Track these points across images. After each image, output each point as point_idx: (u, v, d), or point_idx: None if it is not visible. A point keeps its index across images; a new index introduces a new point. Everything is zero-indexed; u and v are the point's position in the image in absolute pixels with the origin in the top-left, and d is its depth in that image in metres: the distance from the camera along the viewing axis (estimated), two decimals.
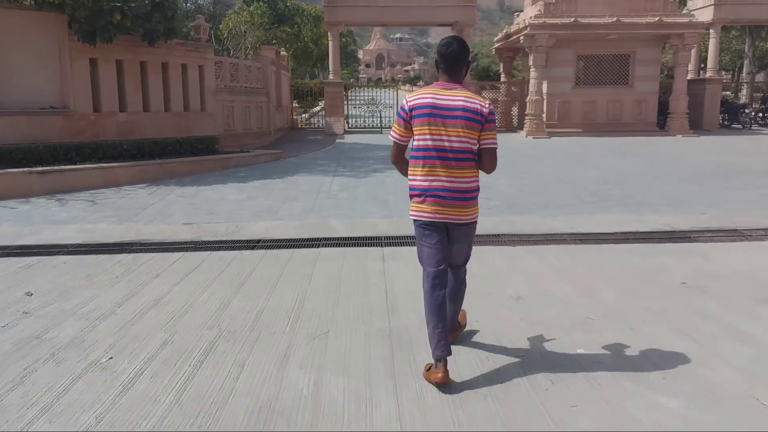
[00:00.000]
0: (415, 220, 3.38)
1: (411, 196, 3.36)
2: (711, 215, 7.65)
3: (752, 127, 21.28)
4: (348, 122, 22.92)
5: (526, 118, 19.74)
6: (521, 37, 19.44)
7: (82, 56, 11.53)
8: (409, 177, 3.35)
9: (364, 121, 22.90)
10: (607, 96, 20.17)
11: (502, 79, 24.63)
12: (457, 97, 3.22)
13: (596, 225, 7.17)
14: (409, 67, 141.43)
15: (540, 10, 19.20)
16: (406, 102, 3.29)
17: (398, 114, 3.35)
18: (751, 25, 26.90)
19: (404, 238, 6.63)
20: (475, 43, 67.74)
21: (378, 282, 5.05)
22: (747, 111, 21.12)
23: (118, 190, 10.04)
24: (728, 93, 27.40)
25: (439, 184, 3.24)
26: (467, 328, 3.95)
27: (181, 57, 13.39)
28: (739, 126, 21.90)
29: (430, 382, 3.22)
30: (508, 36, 21.87)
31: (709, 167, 12.32)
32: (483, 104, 3.23)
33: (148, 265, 5.65)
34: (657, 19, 18.73)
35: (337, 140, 19.15)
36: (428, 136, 3.23)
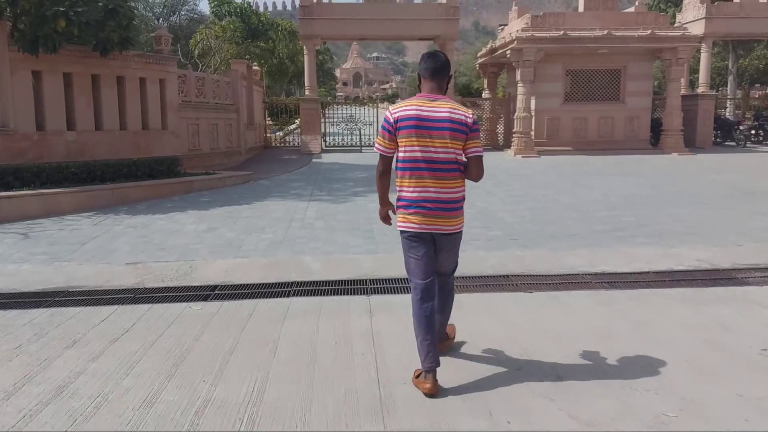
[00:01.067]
0: (402, 231, 3.42)
1: (398, 207, 3.41)
2: (749, 248, 6.62)
3: (746, 145, 20.61)
4: (326, 140, 21.79)
5: (514, 135, 18.80)
6: (508, 51, 18.56)
7: (24, 68, 10.24)
8: (397, 188, 3.40)
9: (343, 139, 21.79)
10: (597, 112, 19.35)
11: (486, 95, 23.75)
12: (442, 108, 3.27)
13: (621, 262, 6.08)
14: (386, 86, 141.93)
15: (527, 23, 18.37)
16: (391, 114, 3.31)
17: (382, 126, 3.36)
18: (737, 40, 26.52)
19: (394, 281, 5.48)
20: (453, 61, 67.50)
21: (366, 352, 3.86)
22: (742, 128, 20.47)
23: (59, 220, 8.71)
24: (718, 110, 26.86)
25: (427, 195, 3.29)
26: (456, 339, 3.94)
27: (140, 70, 12.15)
28: (733, 143, 21.23)
29: (417, 388, 3.28)
30: (492, 51, 21.01)
31: (719, 188, 11.38)
32: (467, 114, 3.30)
33: (66, 327, 4.39)
34: (649, 32, 18.00)
35: (314, 159, 17.98)
36: (416, 148, 3.26)
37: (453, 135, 3.25)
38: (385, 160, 3.43)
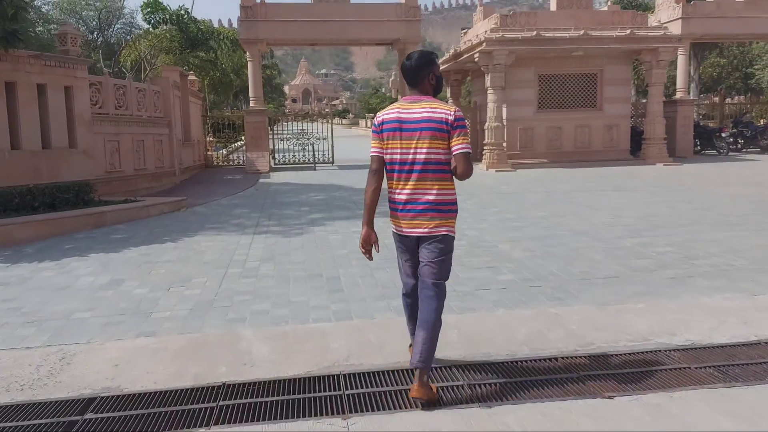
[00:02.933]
0: (393, 232, 3.46)
1: (390, 209, 3.41)
2: None
3: (728, 153, 19.49)
4: (274, 158, 19.64)
5: (485, 148, 17.09)
6: (475, 55, 16.90)
7: None
8: (387, 189, 3.37)
9: (294, 156, 19.68)
10: (573, 121, 17.86)
11: (451, 104, 22.06)
12: (421, 109, 3.25)
13: (706, 324, 4.24)
14: (336, 102, 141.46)
15: (496, 23, 16.77)
16: (377, 118, 3.37)
17: (373, 131, 3.40)
18: (698, 44, 25.68)
19: (385, 377, 3.47)
20: None
21: None
22: (723, 135, 19.35)
23: None
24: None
25: (407, 197, 3.28)
26: None
27: (37, 74, 9.85)
28: (714, 152, 20.11)
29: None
30: (457, 55, 19.35)
31: (742, 205, 9.82)
32: (448, 112, 3.23)
33: None
34: (628, 32, 16.64)
35: (261, 180, 15.81)
36: (398, 150, 3.28)
37: (434, 134, 3.22)
38: (379, 159, 3.37)
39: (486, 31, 16.67)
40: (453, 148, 3.23)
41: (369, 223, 3.39)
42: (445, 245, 3.30)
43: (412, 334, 3.48)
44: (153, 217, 9.86)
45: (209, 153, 20.31)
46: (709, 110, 25.12)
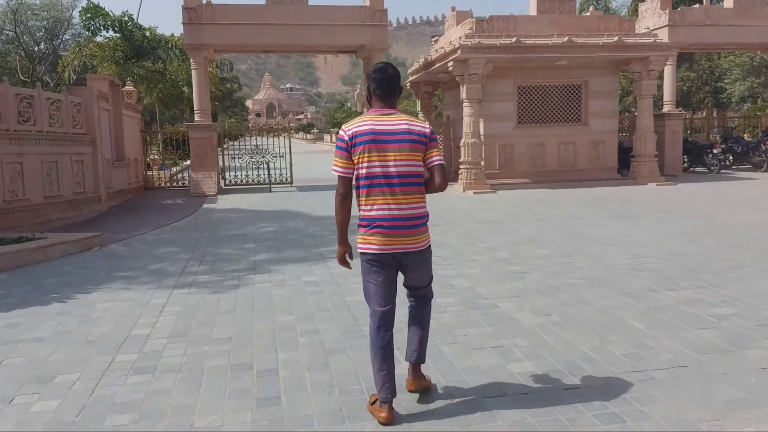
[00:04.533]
0: (362, 254, 3.29)
1: (359, 227, 3.26)
2: None
3: (720, 171, 18.22)
4: (224, 178, 17.64)
5: (461, 167, 15.43)
6: (449, 64, 15.28)
7: None
8: (359, 206, 3.26)
9: (248, 176, 17.72)
10: (556, 137, 16.36)
11: (420, 118, 20.43)
12: (398, 121, 3.22)
13: None
14: (301, 116, 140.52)
15: (471, 29, 15.19)
16: (345, 132, 3.22)
17: (338, 147, 3.25)
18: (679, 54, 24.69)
19: None
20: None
21: None
22: (715, 152, 18.08)
23: None
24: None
25: (388, 213, 3.18)
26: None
27: None
28: (704, 169, 18.85)
29: (373, 415, 3.25)
30: (427, 65, 17.72)
31: None
32: (424, 125, 3.27)
33: None
34: (616, 39, 15.24)
35: (206, 205, 13.82)
36: (376, 163, 3.17)
37: (413, 147, 3.19)
38: (346, 182, 3.26)
39: (460, 38, 15.07)
40: (430, 160, 3.26)
41: (344, 242, 3.39)
42: (429, 255, 3.42)
43: (386, 383, 3.23)
44: (53, 260, 7.83)
45: (152, 173, 18.18)
46: (707, 125, 23.89)
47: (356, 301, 5.56)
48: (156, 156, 19.30)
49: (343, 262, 3.45)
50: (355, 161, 3.21)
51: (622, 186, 15.68)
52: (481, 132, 15.53)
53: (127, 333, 4.87)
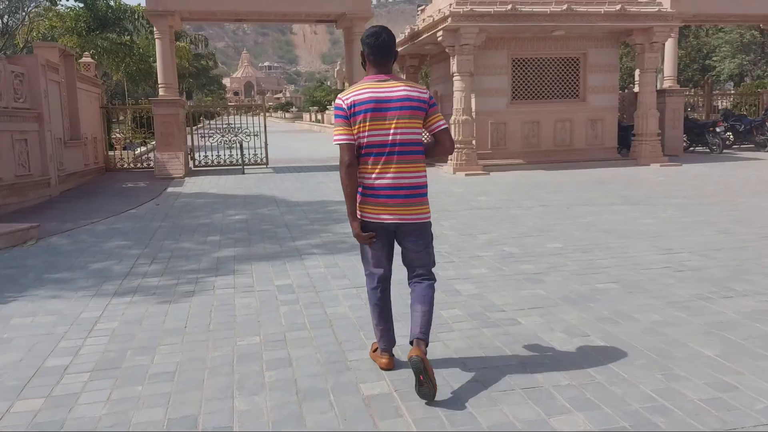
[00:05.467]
0: (361, 221, 3.25)
1: (360, 195, 3.22)
2: None
3: (723, 151, 17.31)
4: (194, 158, 16.36)
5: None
6: (438, 34, 14.08)
7: None
8: (359, 175, 3.19)
9: (219, 156, 16.43)
10: (552, 114, 15.29)
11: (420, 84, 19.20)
12: (397, 87, 3.16)
13: None
14: (279, 95, 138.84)
15: None
16: (343, 100, 3.15)
17: (337, 115, 3.17)
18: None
19: None
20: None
21: None
22: (718, 130, 17.15)
23: None
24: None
25: (391, 181, 3.14)
26: None
27: None
28: (705, 149, 17.94)
29: (375, 362, 3.45)
30: (414, 36, 16.48)
31: None
32: (422, 90, 3.22)
33: None
34: (618, 7, 14.14)
35: (171, 188, 12.56)
36: (376, 131, 3.12)
37: (413, 113, 3.15)
38: (350, 149, 3.14)
39: (450, 5, 13.85)
40: (435, 125, 3.22)
41: (356, 216, 3.25)
42: (429, 231, 3.34)
43: (384, 336, 3.39)
44: None
45: (115, 153, 16.78)
46: (707, 103, 22.87)
47: (340, 314, 4.47)
48: (119, 134, 17.87)
49: (363, 238, 3.26)
50: (355, 130, 3.13)
51: (623, 167, 14.70)
52: (473, 108, 14.40)
53: (41, 363, 3.73)
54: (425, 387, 2.97)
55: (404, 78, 19.25)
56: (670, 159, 15.47)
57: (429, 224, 3.32)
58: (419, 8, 18.30)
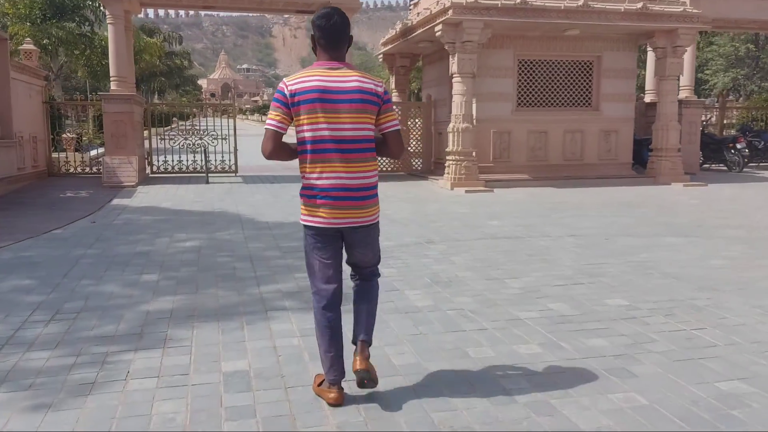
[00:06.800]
0: (306, 227, 3.02)
1: (302, 197, 2.99)
2: None
3: (743, 170, 15.83)
4: (152, 164, 14.38)
5: (449, 159, 12.55)
6: (437, 28, 12.35)
7: None
8: (303, 174, 2.95)
9: (181, 161, 14.47)
10: (562, 124, 13.65)
11: (395, 98, 17.41)
12: (349, 77, 2.89)
13: None
14: (257, 98, 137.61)
15: None
16: (286, 86, 2.86)
17: (275, 99, 2.90)
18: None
19: None
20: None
21: None
22: (739, 147, 15.67)
23: None
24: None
25: (337, 182, 2.88)
26: None
27: None
28: (722, 166, 16.44)
29: (320, 397, 3.05)
30: (406, 32, 14.72)
31: None
32: (377, 83, 2.96)
33: None
34: (640, 5, 12.55)
35: (116, 200, 10.57)
36: (323, 125, 2.85)
37: (364, 107, 2.88)
38: (277, 137, 2.90)
39: None
40: (385, 125, 2.99)
41: None
42: (378, 231, 3.14)
43: (335, 365, 3.01)
44: None
45: (62, 155, 14.67)
46: (720, 117, 21.41)
47: None
48: (69, 134, 15.76)
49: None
50: (297, 122, 2.88)
51: (641, 186, 13.09)
52: (474, 115, 12.66)
53: None
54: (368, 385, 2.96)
55: (392, 79, 17.61)
56: (690, 178, 13.90)
57: (378, 225, 3.11)
58: (411, 2, 16.56)
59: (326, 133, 2.85)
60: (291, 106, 2.86)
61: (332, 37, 2.91)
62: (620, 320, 4.36)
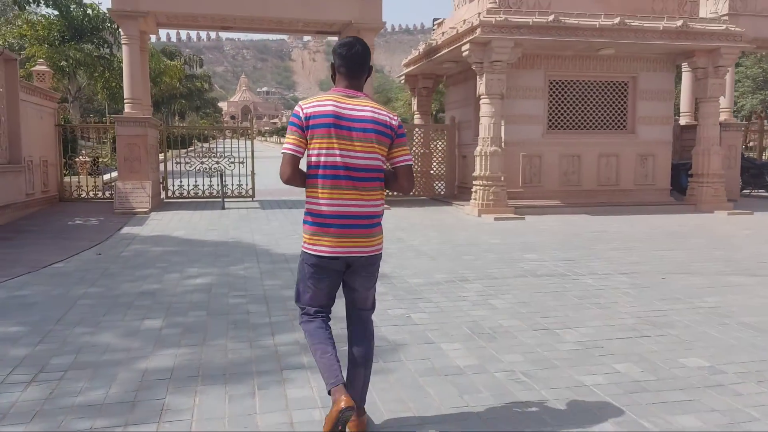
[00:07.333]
0: (306, 254, 2.92)
1: (306, 223, 2.92)
2: None
3: None
4: (166, 188, 13.89)
5: (475, 184, 11.89)
6: (464, 48, 11.76)
7: None
8: (307, 200, 2.91)
9: (197, 186, 13.97)
10: (596, 147, 12.92)
11: (417, 120, 16.81)
12: (364, 106, 2.87)
13: None
14: (276, 120, 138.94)
15: (495, 2, 11.64)
16: (302, 109, 2.83)
17: (291, 123, 2.86)
18: None
19: None
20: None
21: None
22: None
23: None
24: None
25: (345, 209, 2.83)
26: None
27: None
28: (762, 192, 15.58)
29: (333, 417, 2.71)
30: (430, 52, 14.16)
31: None
32: (391, 116, 2.93)
33: None
34: (679, 23, 11.86)
35: (127, 228, 10.01)
36: (336, 151, 2.80)
37: (378, 138, 2.85)
38: (294, 160, 2.82)
39: (480, 14, 11.53)
40: (397, 159, 2.94)
41: None
42: (379, 263, 3.05)
43: (333, 366, 2.82)
44: None
45: (74, 180, 14.22)
46: (760, 139, 20.40)
47: None
48: (83, 157, 15.34)
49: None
50: (310, 145, 2.82)
51: (682, 214, 12.29)
52: (502, 138, 12.00)
53: None
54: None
55: (414, 101, 17.05)
56: (733, 205, 13.07)
57: (379, 257, 3.00)
58: (435, 22, 16.02)
59: (338, 159, 2.80)
60: (306, 129, 2.81)
61: (352, 66, 2.89)
62: (705, 389, 3.62)
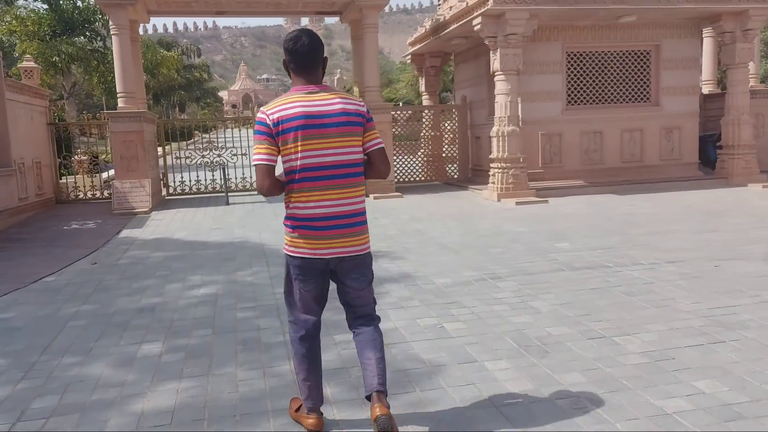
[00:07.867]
0: (291, 257, 2.85)
1: (287, 227, 2.83)
2: None
3: None
4: (167, 185, 13.30)
5: (493, 166, 11.24)
6: (475, 21, 11.04)
7: None
8: (288, 204, 2.80)
9: (200, 181, 13.38)
10: (618, 122, 12.22)
11: (426, 101, 16.11)
12: (331, 100, 2.75)
13: None
14: None
15: None
16: (267, 115, 2.68)
17: (257, 131, 2.70)
18: None
19: None
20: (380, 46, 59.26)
21: None
22: None
23: None
24: None
25: (326, 210, 2.74)
26: None
27: None
28: None
29: (299, 423, 2.98)
30: (437, 29, 13.42)
31: None
32: (359, 103, 2.84)
33: None
34: None
35: (125, 231, 9.43)
36: (312, 152, 2.69)
37: (352, 130, 2.75)
38: (269, 171, 2.69)
39: None
40: (370, 144, 2.84)
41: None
42: (370, 262, 2.95)
43: (312, 393, 2.93)
44: None
45: (69, 180, 13.62)
46: None
47: None
48: (79, 156, 14.72)
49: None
50: (284, 151, 2.69)
51: (714, 189, 11.61)
52: (520, 116, 11.31)
53: None
54: None
55: (421, 80, 16.34)
56: (767, 177, 12.36)
57: (371, 256, 2.92)
58: None
59: (316, 159, 2.70)
60: (276, 135, 2.68)
61: (303, 60, 2.78)
62: None
